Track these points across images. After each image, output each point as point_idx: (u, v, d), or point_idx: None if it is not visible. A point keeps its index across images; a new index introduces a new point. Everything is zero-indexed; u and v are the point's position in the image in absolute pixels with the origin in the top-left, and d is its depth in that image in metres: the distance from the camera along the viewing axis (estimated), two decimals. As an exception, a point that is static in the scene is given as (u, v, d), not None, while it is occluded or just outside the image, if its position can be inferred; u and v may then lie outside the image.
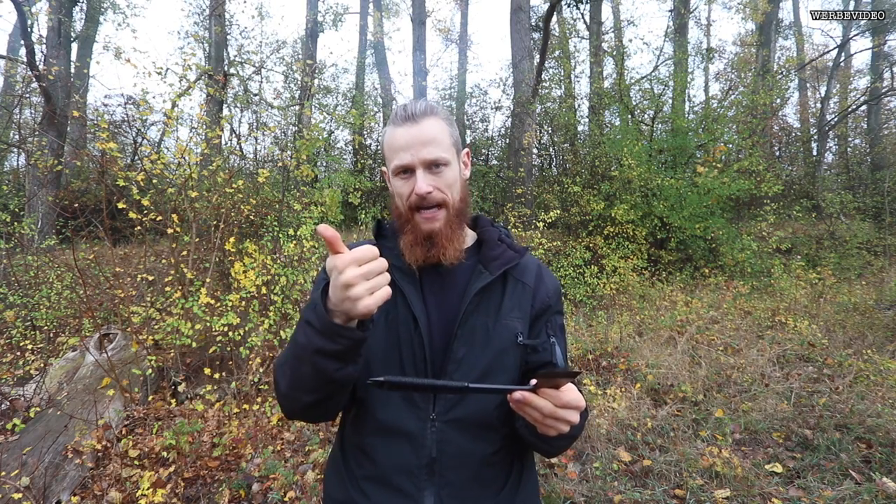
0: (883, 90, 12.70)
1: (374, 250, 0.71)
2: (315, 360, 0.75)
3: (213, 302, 3.66)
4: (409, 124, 0.90)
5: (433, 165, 0.90)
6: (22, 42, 7.30)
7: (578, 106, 11.46)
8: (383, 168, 1.01)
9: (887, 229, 9.04)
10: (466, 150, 1.02)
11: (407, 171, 0.90)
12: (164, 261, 5.46)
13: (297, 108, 10.19)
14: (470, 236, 1.03)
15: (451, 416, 0.89)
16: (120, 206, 3.74)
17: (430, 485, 0.89)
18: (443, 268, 0.95)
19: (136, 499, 2.44)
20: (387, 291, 0.71)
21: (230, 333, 3.56)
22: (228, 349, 3.79)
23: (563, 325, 1.05)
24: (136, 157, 7.90)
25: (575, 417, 0.72)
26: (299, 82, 11.69)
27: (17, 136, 8.86)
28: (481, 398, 0.91)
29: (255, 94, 11.24)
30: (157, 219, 3.93)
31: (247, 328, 3.66)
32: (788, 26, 17.39)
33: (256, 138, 10.36)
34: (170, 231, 3.82)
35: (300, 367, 0.78)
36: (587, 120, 11.06)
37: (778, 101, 11.95)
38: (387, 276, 0.72)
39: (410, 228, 0.92)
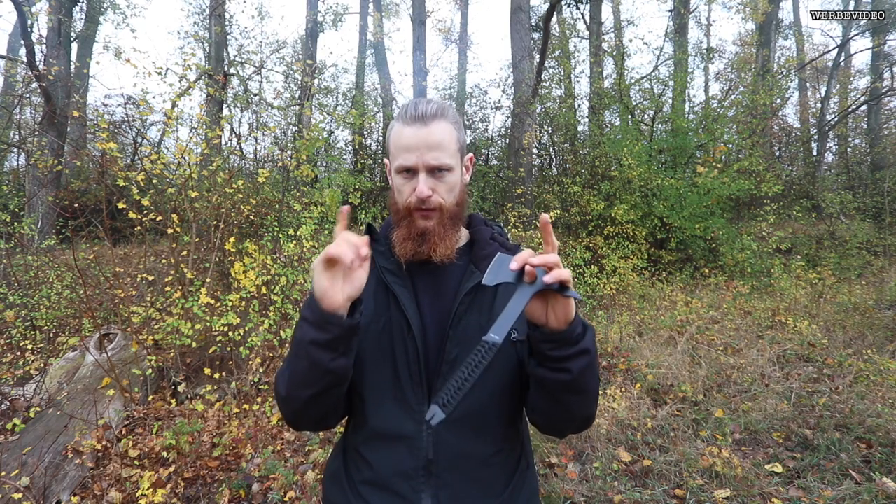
0: (883, 90, 12.70)
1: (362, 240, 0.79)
2: (309, 352, 0.78)
3: (213, 302, 3.66)
4: (417, 125, 0.89)
5: (436, 170, 0.90)
6: (22, 42, 7.30)
7: (578, 106, 11.44)
8: (386, 160, 1.01)
9: (887, 229, 9.04)
10: (470, 154, 1.01)
11: (410, 171, 0.91)
12: (164, 261, 5.45)
13: (297, 108, 10.19)
14: (464, 235, 1.02)
15: None
16: (120, 206, 3.74)
17: (428, 487, 0.88)
18: (433, 265, 0.95)
19: (136, 499, 2.44)
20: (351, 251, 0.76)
21: (230, 333, 3.56)
22: (228, 349, 3.79)
23: None
24: (136, 157, 7.89)
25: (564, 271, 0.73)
26: (299, 82, 11.67)
27: (17, 136, 8.86)
28: (476, 397, 0.87)
29: (255, 94, 11.23)
30: (157, 219, 3.93)
31: (247, 328, 3.65)
32: (788, 26, 17.38)
33: (256, 138, 10.35)
34: (170, 231, 3.81)
35: (297, 362, 0.82)
36: (587, 120, 11.05)
37: (778, 101, 11.97)
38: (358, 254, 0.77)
39: (406, 224, 0.93)
